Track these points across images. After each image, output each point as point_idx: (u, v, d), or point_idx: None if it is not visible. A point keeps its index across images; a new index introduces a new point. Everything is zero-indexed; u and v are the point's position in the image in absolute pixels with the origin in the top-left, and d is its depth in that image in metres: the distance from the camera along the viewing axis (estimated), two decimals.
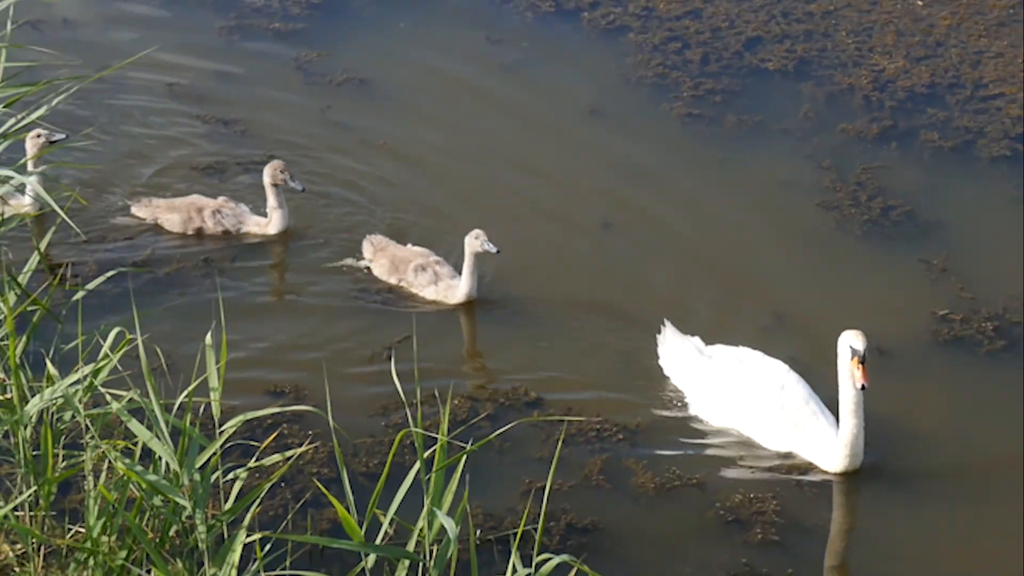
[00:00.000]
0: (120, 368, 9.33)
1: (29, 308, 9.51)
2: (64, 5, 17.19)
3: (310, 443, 11.47)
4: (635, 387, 12.93)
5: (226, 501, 8.94)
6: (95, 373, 9.02)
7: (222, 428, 8.76)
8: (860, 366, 11.52)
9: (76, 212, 13.30)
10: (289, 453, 9.68)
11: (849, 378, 11.65)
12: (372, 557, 8.79)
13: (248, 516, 8.75)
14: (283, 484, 11.55)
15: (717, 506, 11.82)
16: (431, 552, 8.69)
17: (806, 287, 14.00)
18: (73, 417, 9.09)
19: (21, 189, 12.47)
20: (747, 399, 12.35)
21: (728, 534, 11.64)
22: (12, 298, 9.23)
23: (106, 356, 9.08)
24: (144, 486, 8.58)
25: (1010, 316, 13.48)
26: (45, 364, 9.21)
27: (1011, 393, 12.80)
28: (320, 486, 9.35)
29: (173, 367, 11.24)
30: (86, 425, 9.05)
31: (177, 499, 8.48)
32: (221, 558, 8.47)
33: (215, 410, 8.89)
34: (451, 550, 8.62)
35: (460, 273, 13.59)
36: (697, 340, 12.94)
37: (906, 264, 14.18)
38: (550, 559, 8.66)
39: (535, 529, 9.06)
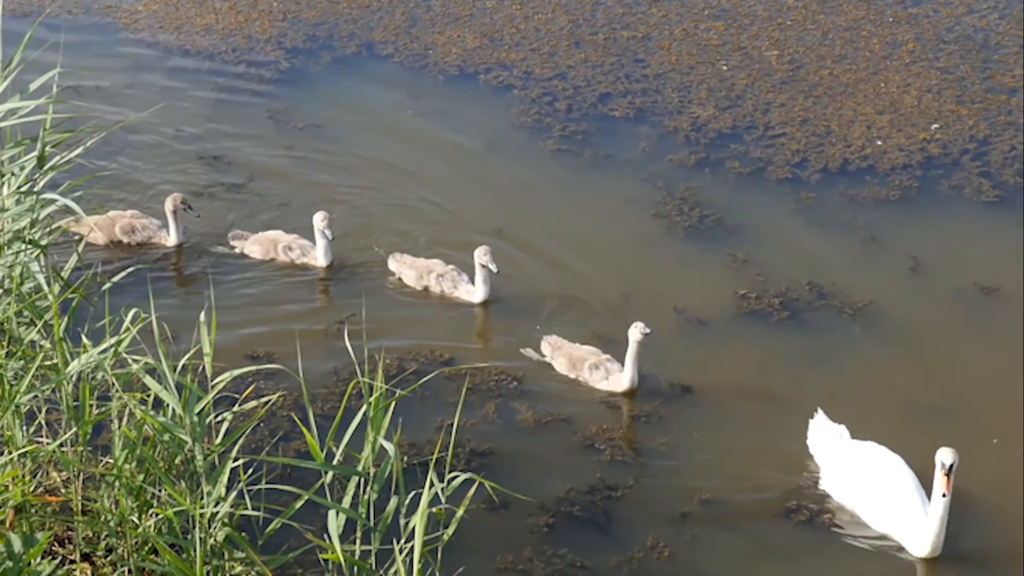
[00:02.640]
0: (139, 339, 9.29)
1: (69, 295, 9.43)
2: (95, 76, 17.04)
3: (279, 394, 11.42)
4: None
5: (218, 437, 8.90)
6: (119, 343, 8.98)
7: (214, 382, 8.72)
8: (945, 478, 10.36)
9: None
10: (264, 399, 9.68)
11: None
12: (330, 475, 8.76)
13: (235, 448, 8.72)
14: (261, 424, 11.50)
15: (579, 435, 11.88)
16: (372, 472, 8.70)
17: (645, 274, 14.01)
18: (103, 376, 9.03)
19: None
20: (865, 487, 11.09)
21: (587, 455, 11.69)
22: (56, 288, 9.14)
23: (127, 330, 9.06)
24: (156, 426, 8.54)
25: (791, 294, 13.54)
26: (81, 337, 9.17)
27: (793, 348, 12.95)
28: (297, 420, 9.36)
29: (178, 339, 11.20)
30: (112, 382, 9.01)
31: (181, 435, 8.44)
32: (214, 479, 8.43)
33: (208, 369, 8.85)
34: (390, 467, 8.64)
35: (623, 363, 12.35)
36: (843, 428, 11.60)
37: (717, 257, 14.19)
38: (458, 476, 8.69)
39: (447, 454, 9.09)
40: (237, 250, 14.17)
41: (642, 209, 14.98)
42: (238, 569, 8.90)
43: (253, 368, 9.86)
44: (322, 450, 8.61)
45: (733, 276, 13.92)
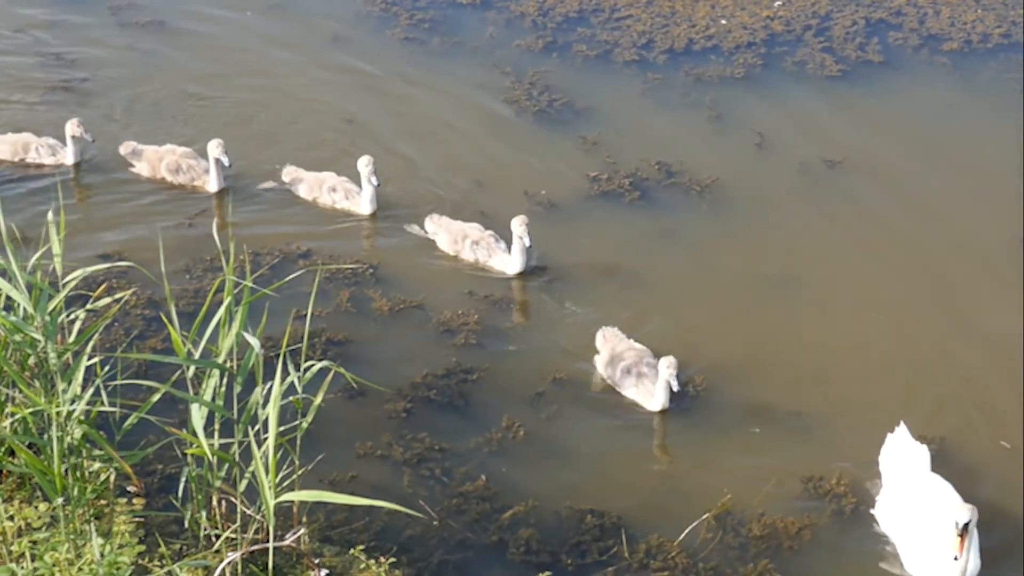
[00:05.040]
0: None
1: None
2: None
3: (132, 291, 11.41)
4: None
5: (71, 336, 8.92)
6: None
7: (65, 281, 8.73)
8: (959, 539, 9.33)
9: None
10: (117, 295, 9.70)
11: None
12: (191, 371, 8.83)
13: (89, 346, 8.72)
14: (115, 324, 11.51)
15: (434, 320, 12.03)
16: (234, 366, 8.78)
17: (496, 160, 14.16)
18: None
19: None
20: (917, 529, 9.88)
21: (442, 340, 11.84)
22: None
23: None
24: (7, 326, 8.52)
25: (641, 174, 13.78)
26: None
27: (644, 227, 13.22)
28: (165, 319, 9.16)
29: (28, 241, 11.14)
30: None
31: (33, 335, 8.44)
32: (69, 376, 8.45)
33: (59, 269, 8.85)
34: (249, 361, 8.71)
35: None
36: (925, 449, 10.45)
37: (567, 140, 14.38)
38: (313, 364, 8.80)
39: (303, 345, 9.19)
40: (287, 185, 13.83)
41: (491, 95, 15.10)
42: (96, 466, 8.96)
43: (105, 266, 9.90)
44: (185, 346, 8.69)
45: (583, 158, 14.11)
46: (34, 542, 8.29)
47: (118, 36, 16.15)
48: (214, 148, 13.33)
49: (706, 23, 16.08)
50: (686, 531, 10.10)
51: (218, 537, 8.91)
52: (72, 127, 13.62)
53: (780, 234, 13.17)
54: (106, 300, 9.32)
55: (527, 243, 12.44)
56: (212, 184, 13.63)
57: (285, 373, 8.36)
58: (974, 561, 9.70)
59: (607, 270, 12.51)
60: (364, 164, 13.21)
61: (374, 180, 13.21)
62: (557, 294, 12.47)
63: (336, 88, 15.31)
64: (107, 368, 9.17)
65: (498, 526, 10.12)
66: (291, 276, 10.38)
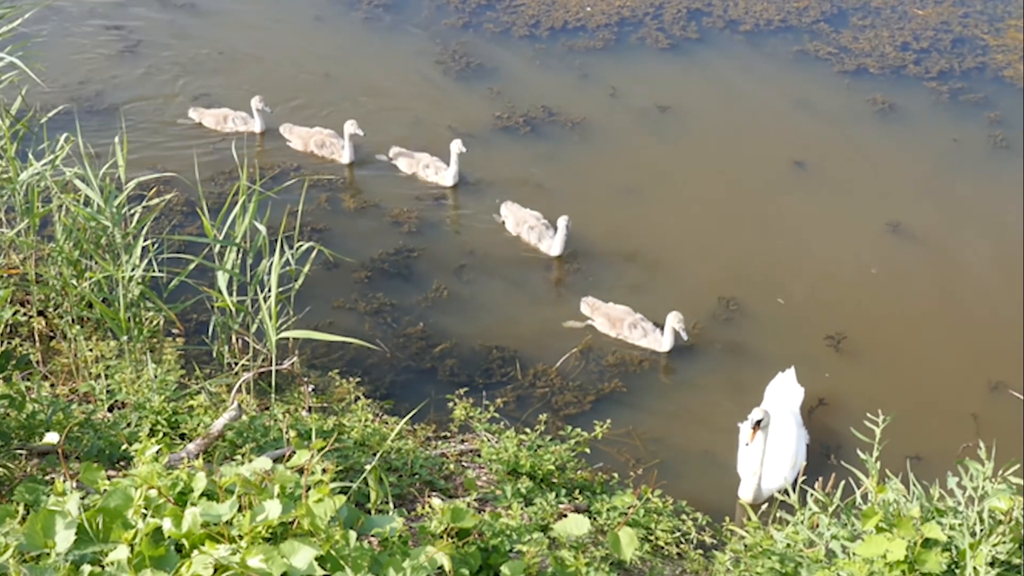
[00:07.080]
0: (71, 153, 9.16)
1: (16, 128, 9.20)
2: None
3: (173, 195, 11.28)
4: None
5: (131, 224, 8.84)
6: (55, 159, 8.82)
7: (126, 184, 8.63)
8: (751, 430, 8.56)
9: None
10: (165, 197, 9.61)
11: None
12: (217, 247, 8.82)
13: (143, 231, 8.65)
14: (162, 216, 11.38)
15: (386, 215, 11.99)
16: (247, 245, 8.76)
17: (430, 105, 13.95)
18: (45, 184, 8.88)
19: None
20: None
21: (393, 229, 11.82)
22: (7, 122, 8.93)
23: (62, 148, 8.90)
24: (86, 216, 8.46)
25: (531, 114, 13.62)
26: (28, 155, 8.99)
27: (534, 151, 13.11)
28: (201, 212, 9.19)
29: (101, 156, 10.96)
30: (51, 186, 8.86)
31: (104, 221, 8.38)
32: (130, 251, 8.41)
33: (122, 177, 8.74)
34: (257, 242, 8.71)
35: (659, 326, 10.57)
36: (802, 390, 9.74)
37: (479, 91, 14.19)
38: (302, 244, 8.81)
39: (295, 231, 9.16)
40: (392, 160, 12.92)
41: (427, 59, 14.88)
42: (150, 314, 8.95)
43: (155, 175, 9.76)
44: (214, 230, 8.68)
45: (491, 103, 13.97)
46: (107, 367, 8.29)
47: (160, 13, 15.71)
48: (350, 127, 12.64)
49: (576, 10, 15.91)
50: (560, 360, 10.24)
51: (236, 364, 8.94)
52: (255, 102, 13.00)
53: (626, 155, 13.17)
54: (156, 200, 9.25)
55: (566, 233, 11.43)
56: (345, 157, 12.85)
57: (283, 251, 8.38)
58: (787, 470, 8.88)
59: (510, 181, 12.46)
60: (454, 146, 12.30)
61: (458, 152, 12.27)
62: (476, 196, 12.44)
63: (316, 54, 14.95)
64: (157, 247, 9.15)
65: (431, 357, 10.20)
66: (287, 183, 10.29)
